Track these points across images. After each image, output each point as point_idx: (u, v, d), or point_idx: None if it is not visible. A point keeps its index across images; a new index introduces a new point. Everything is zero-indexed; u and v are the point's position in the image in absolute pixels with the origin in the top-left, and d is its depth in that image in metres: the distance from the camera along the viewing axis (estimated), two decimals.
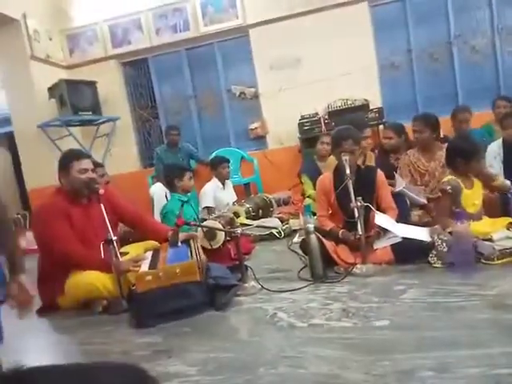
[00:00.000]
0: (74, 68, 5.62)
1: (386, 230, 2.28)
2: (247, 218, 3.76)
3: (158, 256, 2.24)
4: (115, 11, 5.43)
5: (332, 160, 3.57)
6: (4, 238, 1.43)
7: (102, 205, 2.26)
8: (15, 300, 1.44)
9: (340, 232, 2.39)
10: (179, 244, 2.35)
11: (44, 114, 4.97)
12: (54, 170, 2.51)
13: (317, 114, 4.89)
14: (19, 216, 5.25)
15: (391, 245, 2.25)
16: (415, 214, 2.81)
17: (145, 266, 2.10)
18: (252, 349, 1.55)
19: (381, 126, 4.72)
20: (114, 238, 2.18)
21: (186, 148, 5.14)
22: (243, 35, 5.32)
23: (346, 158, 2.31)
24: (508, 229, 2.15)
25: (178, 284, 1.93)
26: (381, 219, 2.24)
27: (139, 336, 1.83)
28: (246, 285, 2.17)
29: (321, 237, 2.27)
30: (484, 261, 2.00)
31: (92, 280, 2.18)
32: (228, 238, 2.75)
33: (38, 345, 2.06)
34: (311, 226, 2.24)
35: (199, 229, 2.73)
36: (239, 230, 2.25)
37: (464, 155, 2.31)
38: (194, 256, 2.10)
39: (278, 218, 3.76)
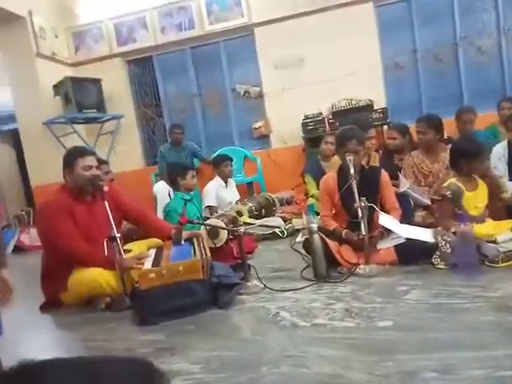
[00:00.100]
0: (79, 65, 5.64)
1: (389, 231, 2.28)
2: (250, 217, 3.76)
3: (161, 254, 2.24)
4: (120, 9, 5.44)
5: (336, 160, 3.57)
6: None
7: (106, 202, 2.27)
8: None
9: (343, 232, 2.39)
10: (182, 242, 2.36)
11: (49, 111, 4.99)
12: (59, 167, 2.52)
13: (321, 113, 4.89)
14: (23, 213, 5.27)
15: (394, 245, 2.25)
16: (419, 214, 2.81)
17: (148, 264, 2.10)
18: (255, 348, 1.56)
19: (385, 127, 4.71)
20: (118, 236, 2.19)
21: (189, 146, 5.14)
22: (248, 34, 5.32)
23: (350, 158, 2.31)
24: None
25: (181, 282, 1.94)
26: (385, 220, 2.24)
27: (142, 333, 1.84)
28: (249, 284, 2.17)
29: (324, 237, 2.26)
30: (488, 263, 1.99)
31: (95, 277, 2.19)
32: (231, 237, 2.75)
33: (41, 341, 2.07)
34: (315, 226, 2.24)
35: (202, 227, 2.73)
36: (242, 229, 2.25)
37: (467, 156, 2.30)
38: (199, 254, 2.10)
39: (281, 218, 3.76)
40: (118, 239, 2.18)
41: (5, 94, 5.43)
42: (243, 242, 2.24)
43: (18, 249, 4.89)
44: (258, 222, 3.62)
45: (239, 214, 3.51)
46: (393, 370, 1.26)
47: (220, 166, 4.10)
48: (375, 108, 4.70)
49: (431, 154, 2.95)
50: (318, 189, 3.00)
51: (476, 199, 2.34)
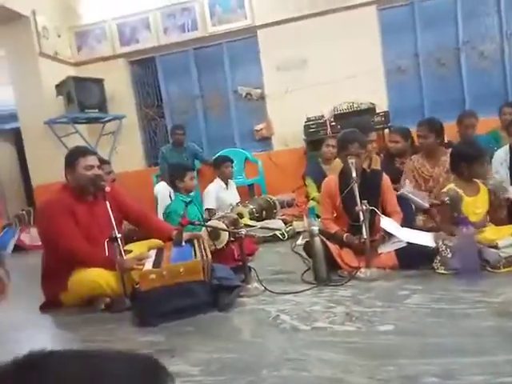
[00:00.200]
0: (82, 65, 5.66)
1: (390, 235, 2.28)
2: (251, 219, 3.76)
3: (161, 255, 2.24)
4: (124, 10, 5.46)
5: (337, 163, 3.56)
6: None
7: (107, 202, 2.26)
8: None
9: (344, 236, 2.39)
10: (183, 243, 2.36)
11: (51, 110, 5.00)
12: (60, 167, 2.52)
13: (323, 116, 4.89)
14: (24, 212, 5.26)
15: (395, 249, 2.25)
16: (420, 218, 2.80)
17: (149, 265, 2.10)
18: (255, 350, 1.55)
19: (386, 130, 4.71)
20: (119, 236, 2.18)
21: (191, 148, 5.14)
22: (251, 36, 5.33)
23: (352, 161, 2.31)
24: None
25: (182, 283, 1.93)
26: (386, 223, 2.23)
27: (142, 335, 1.83)
28: (249, 286, 2.16)
29: (325, 240, 2.26)
30: (490, 269, 1.99)
31: (95, 277, 2.18)
32: (232, 239, 2.75)
33: (40, 340, 2.06)
34: (316, 229, 2.24)
35: (203, 229, 2.73)
36: (244, 231, 2.24)
37: (467, 159, 2.30)
38: (200, 255, 2.09)
39: (282, 220, 3.76)
40: (118, 240, 2.17)
41: (7, 93, 5.44)
42: (244, 244, 2.24)
43: (19, 248, 4.89)
44: (259, 224, 3.62)
45: (240, 215, 3.51)
46: (394, 375, 1.26)
47: (220, 166, 4.10)
48: (377, 111, 4.71)
49: (431, 158, 2.95)
50: (319, 191, 3.00)
51: (475, 205, 2.33)
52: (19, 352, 0.41)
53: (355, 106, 4.81)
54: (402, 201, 2.60)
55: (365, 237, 2.16)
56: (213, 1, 5.26)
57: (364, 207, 2.16)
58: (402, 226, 2.37)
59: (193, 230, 2.67)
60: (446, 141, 3.38)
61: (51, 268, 2.36)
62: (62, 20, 5.53)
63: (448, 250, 2.05)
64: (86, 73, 5.44)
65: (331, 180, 2.56)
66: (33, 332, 2.13)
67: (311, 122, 4.86)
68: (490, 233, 2.24)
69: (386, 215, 2.35)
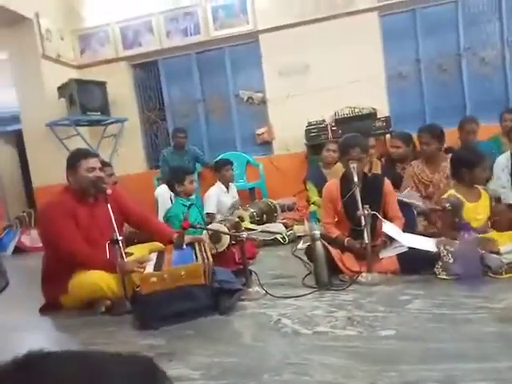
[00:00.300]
0: (85, 68, 5.67)
1: (392, 240, 2.27)
2: (251, 222, 3.76)
3: (162, 258, 2.24)
4: (127, 13, 5.48)
5: (337, 167, 3.58)
6: None
7: (108, 205, 2.26)
8: None
9: (346, 240, 2.39)
10: (184, 247, 2.35)
11: (53, 112, 5.01)
12: (61, 169, 2.52)
13: (324, 121, 4.90)
14: (24, 214, 5.26)
15: (397, 254, 2.24)
16: (421, 224, 2.80)
17: (149, 268, 2.10)
18: (256, 354, 1.54)
19: (387, 135, 4.72)
20: (120, 238, 2.18)
21: (192, 151, 5.15)
22: (253, 41, 5.35)
23: (353, 165, 2.31)
24: None
25: (183, 286, 1.93)
26: (388, 227, 2.23)
27: (142, 338, 1.83)
28: (250, 290, 2.16)
29: (326, 244, 2.26)
30: (492, 275, 1.99)
31: (96, 280, 2.17)
32: (233, 242, 2.74)
33: (39, 343, 2.05)
34: (317, 233, 2.24)
35: (204, 232, 2.73)
36: (245, 234, 2.24)
37: (468, 165, 2.31)
38: (201, 259, 2.09)
39: (283, 224, 3.76)
40: (119, 242, 2.17)
41: (9, 95, 5.46)
42: (245, 248, 2.24)
43: (19, 250, 4.89)
44: (260, 227, 3.61)
45: (241, 219, 3.50)
46: (395, 380, 1.25)
47: (221, 170, 4.10)
48: (378, 116, 4.72)
49: (432, 163, 2.95)
50: (320, 196, 3.00)
51: (476, 210, 2.33)
52: (18, 354, 0.41)
53: (356, 110, 4.82)
54: (404, 206, 2.61)
55: (366, 241, 2.16)
56: (216, 5, 5.28)
57: (366, 212, 2.16)
58: (404, 231, 2.36)
59: (194, 233, 2.66)
60: (446, 146, 3.39)
61: (52, 270, 2.36)
62: (65, 23, 5.56)
63: (450, 255, 2.05)
64: (88, 76, 5.45)
65: (332, 184, 2.56)
66: (32, 334, 2.12)
67: (312, 127, 4.86)
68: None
69: (387, 220, 2.35)
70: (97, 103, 5.10)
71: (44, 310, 2.37)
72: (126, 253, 2.25)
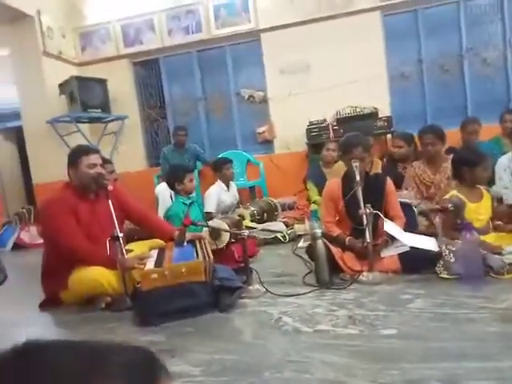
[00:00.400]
0: (86, 65, 5.66)
1: (393, 239, 2.26)
2: (252, 221, 3.75)
3: (163, 255, 2.23)
4: (128, 11, 5.47)
5: (338, 166, 3.57)
6: None
7: (110, 201, 2.26)
8: None
9: (347, 239, 2.38)
10: (185, 244, 2.35)
11: (54, 109, 5.00)
12: (61, 166, 2.52)
13: (325, 120, 4.89)
14: (24, 210, 5.26)
15: (398, 254, 2.24)
16: (422, 224, 2.79)
17: (150, 264, 2.09)
18: (256, 352, 1.54)
19: (389, 135, 4.72)
20: (121, 235, 2.17)
21: (192, 149, 5.14)
22: (255, 39, 5.34)
23: (355, 164, 2.30)
24: None
25: (184, 283, 1.92)
26: (389, 227, 2.23)
27: (142, 334, 1.82)
28: (251, 288, 2.15)
29: (328, 243, 2.25)
30: (493, 275, 1.98)
31: (96, 276, 2.17)
32: (232, 240, 2.74)
33: (37, 338, 2.04)
34: (318, 232, 2.23)
35: (204, 230, 2.72)
36: (246, 232, 2.23)
37: (469, 164, 2.31)
38: (201, 256, 2.08)
39: (283, 223, 3.75)
40: (120, 238, 2.16)
41: (9, 92, 5.45)
42: (247, 246, 2.23)
43: (18, 246, 4.88)
44: (260, 226, 3.61)
45: (241, 217, 3.50)
46: (397, 379, 1.25)
47: (222, 169, 4.09)
48: (380, 116, 4.71)
49: (433, 164, 2.95)
50: (320, 195, 2.99)
51: (478, 211, 2.33)
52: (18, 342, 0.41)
53: (358, 110, 4.81)
54: (405, 206, 2.60)
55: (368, 240, 2.16)
56: (217, 4, 5.27)
57: (367, 211, 2.15)
58: (405, 231, 2.36)
59: (195, 230, 2.66)
60: (447, 147, 3.39)
61: (52, 266, 2.35)
62: (66, 20, 5.54)
63: (451, 254, 2.04)
64: (89, 73, 5.44)
65: (334, 183, 2.55)
66: (32, 329, 2.11)
67: (313, 126, 4.86)
68: (493, 239, 2.24)
69: (388, 219, 2.34)
70: (97, 100, 5.09)
71: (44, 306, 2.36)
72: (126, 249, 2.25)
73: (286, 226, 3.66)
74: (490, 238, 2.22)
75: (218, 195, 4.00)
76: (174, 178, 3.20)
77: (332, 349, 1.49)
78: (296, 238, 3.38)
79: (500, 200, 2.72)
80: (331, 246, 2.26)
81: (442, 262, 2.07)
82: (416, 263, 2.15)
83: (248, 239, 2.27)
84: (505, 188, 2.83)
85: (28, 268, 3.55)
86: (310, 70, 5.14)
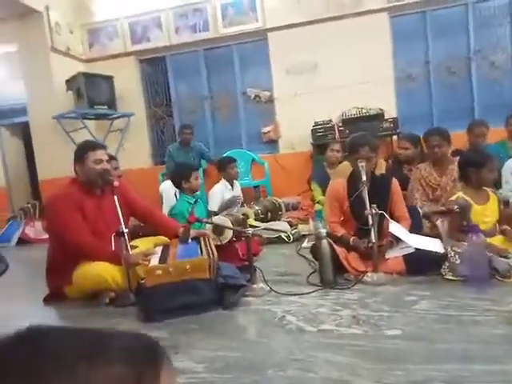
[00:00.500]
0: (93, 62, 5.68)
1: (398, 240, 2.26)
2: (256, 220, 3.75)
3: (167, 251, 2.23)
4: (136, 8, 5.49)
5: (342, 167, 3.57)
6: None
7: (115, 197, 2.26)
8: None
9: (351, 239, 2.37)
10: (189, 241, 2.35)
11: (60, 105, 5.02)
12: (67, 162, 2.53)
13: (331, 120, 4.89)
14: (29, 205, 5.28)
15: (403, 255, 2.23)
16: (427, 225, 2.78)
17: (154, 261, 2.09)
18: (260, 350, 1.54)
19: (394, 137, 4.70)
20: (126, 231, 2.18)
21: (197, 147, 5.15)
22: (262, 38, 5.34)
23: (362, 164, 2.29)
24: None
25: (188, 280, 1.92)
26: (394, 228, 2.22)
27: (146, 330, 1.82)
28: (255, 286, 2.15)
29: (332, 243, 2.25)
30: (499, 278, 1.97)
31: (101, 271, 2.17)
32: (234, 239, 2.74)
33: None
34: (323, 231, 2.22)
35: (208, 227, 2.72)
36: (251, 231, 2.23)
37: (475, 165, 2.30)
38: (206, 253, 2.08)
39: (287, 223, 3.75)
40: (125, 234, 2.17)
41: (16, 87, 5.48)
42: (251, 244, 2.23)
43: (23, 241, 4.90)
44: (264, 225, 3.60)
45: (245, 216, 3.49)
46: (402, 380, 1.24)
47: (226, 168, 4.09)
48: (386, 117, 4.70)
49: (439, 166, 2.93)
50: (324, 195, 2.98)
51: (485, 213, 2.31)
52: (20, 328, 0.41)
53: (364, 111, 4.80)
54: (410, 208, 2.59)
55: (373, 241, 2.15)
56: (225, 2, 5.28)
57: (373, 211, 2.15)
58: (410, 233, 2.35)
59: (199, 227, 2.66)
60: (453, 149, 3.37)
61: (57, 261, 2.36)
62: (74, 16, 5.57)
63: (457, 256, 2.03)
64: (96, 70, 5.45)
65: (339, 183, 2.55)
66: (35, 322, 2.11)
67: (319, 126, 4.85)
68: (499, 242, 2.22)
69: (394, 220, 2.34)
70: (104, 97, 5.11)
71: (48, 300, 2.37)
72: (131, 245, 2.25)
73: (290, 225, 3.65)
74: (497, 241, 2.21)
75: (222, 194, 4.01)
76: (180, 176, 3.21)
77: (336, 348, 1.49)
78: (300, 238, 3.38)
79: (506, 203, 2.71)
80: (336, 246, 2.26)
81: (447, 264, 2.06)
82: (421, 264, 2.14)
83: (253, 237, 2.26)
84: (511, 191, 2.81)
85: (32, 263, 3.57)
86: (317, 70, 5.14)
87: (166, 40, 5.49)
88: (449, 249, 2.09)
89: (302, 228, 3.58)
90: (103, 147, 2.55)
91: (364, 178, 2.25)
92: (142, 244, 2.48)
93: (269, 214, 3.96)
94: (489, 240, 2.17)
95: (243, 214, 3.49)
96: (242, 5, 5.24)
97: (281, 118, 5.34)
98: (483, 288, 1.87)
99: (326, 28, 5.05)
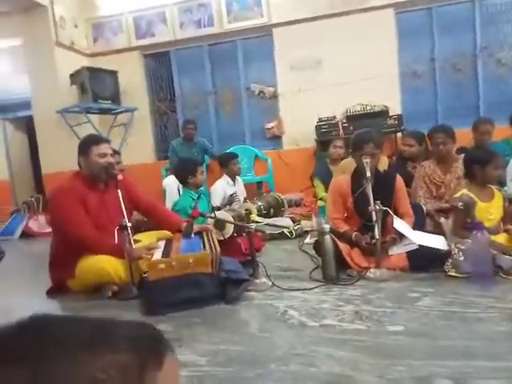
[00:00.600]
0: (97, 56, 5.68)
1: (402, 237, 2.25)
2: (258, 215, 3.75)
3: (170, 245, 2.23)
4: (141, 3, 5.47)
5: (344, 163, 3.55)
6: None
7: (119, 191, 2.26)
8: None
9: (353, 234, 2.35)
10: (192, 235, 2.35)
11: (64, 99, 5.03)
12: (71, 156, 2.53)
13: (335, 117, 4.87)
14: (32, 199, 5.30)
15: (406, 251, 2.22)
16: (429, 223, 2.77)
17: (157, 255, 2.10)
18: (262, 344, 1.54)
19: (399, 134, 4.68)
20: (129, 225, 2.18)
21: (201, 143, 5.15)
22: (266, 34, 5.32)
23: (366, 160, 2.28)
24: None
25: (191, 274, 1.93)
26: (399, 224, 2.21)
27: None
28: (257, 281, 2.15)
29: (335, 238, 2.24)
30: (503, 275, 1.96)
31: (104, 265, 2.18)
32: (235, 234, 2.74)
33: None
34: (327, 227, 2.22)
35: (209, 221, 2.72)
36: (254, 226, 2.23)
37: (480, 162, 2.28)
38: (209, 248, 2.08)
39: (290, 219, 3.74)
40: (128, 228, 2.17)
41: (20, 81, 5.48)
42: (253, 239, 2.23)
43: (26, 234, 4.92)
44: (267, 221, 3.60)
45: (248, 211, 3.49)
46: (405, 375, 1.24)
47: (229, 164, 4.09)
48: (390, 114, 4.67)
49: (443, 164, 2.92)
50: (327, 192, 2.98)
51: (489, 210, 2.30)
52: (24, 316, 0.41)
53: (368, 108, 4.78)
54: (414, 205, 2.58)
55: (377, 237, 2.14)
56: None
57: (377, 207, 2.14)
58: (414, 230, 2.34)
59: (202, 222, 2.66)
60: (458, 147, 3.35)
61: (60, 254, 2.36)
62: (79, 11, 5.56)
63: (460, 252, 2.03)
64: (100, 64, 5.45)
65: (343, 180, 2.53)
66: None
67: (323, 123, 4.83)
68: (503, 240, 2.21)
69: (398, 217, 2.33)
70: (108, 92, 5.11)
71: (51, 293, 2.38)
72: (134, 239, 2.26)
73: (293, 221, 3.65)
74: (501, 238, 2.20)
75: (224, 189, 4.01)
76: (186, 171, 3.23)
77: (338, 343, 1.48)
78: (302, 234, 3.37)
79: (511, 201, 2.69)
80: (339, 242, 2.25)
81: (450, 260, 2.06)
82: (424, 261, 2.13)
83: (256, 233, 2.26)
84: None
85: (36, 256, 3.59)
86: (321, 67, 5.11)
87: (171, 35, 5.48)
88: (452, 246, 2.09)
89: (305, 224, 3.57)
90: (107, 141, 2.55)
91: (368, 174, 2.24)
92: (145, 238, 2.49)
93: (271, 209, 3.95)
94: (493, 237, 2.16)
95: (246, 210, 3.49)
96: (247, 0, 5.22)
97: (284, 113, 5.32)
98: (487, 285, 1.86)
99: (331, 24, 5.03)
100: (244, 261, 2.36)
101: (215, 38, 5.46)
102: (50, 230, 3.46)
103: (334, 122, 4.80)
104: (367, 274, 2.13)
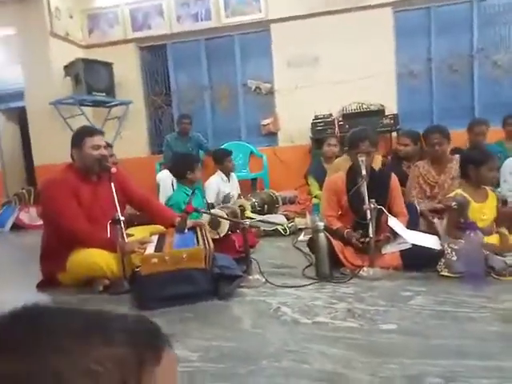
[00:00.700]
0: (92, 48, 5.61)
1: (395, 235, 2.25)
2: (252, 212, 3.74)
3: (163, 240, 2.22)
4: None
5: (337, 162, 3.56)
6: None
7: (112, 184, 2.24)
8: None
9: (345, 232, 2.35)
10: (186, 231, 2.33)
11: (58, 91, 4.96)
12: (64, 148, 2.49)
13: (331, 115, 4.86)
14: (24, 191, 5.24)
15: (400, 250, 2.22)
16: (423, 223, 2.78)
17: (150, 249, 2.08)
18: (255, 340, 1.53)
19: (394, 133, 4.69)
20: (122, 218, 2.16)
21: (196, 138, 5.11)
22: (264, 30, 5.29)
23: (362, 158, 2.28)
24: None
25: (183, 269, 1.91)
26: (393, 222, 2.21)
27: None
28: (251, 277, 2.14)
29: (329, 236, 2.24)
30: (495, 276, 1.97)
31: (96, 259, 2.16)
32: (229, 232, 2.73)
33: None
34: (321, 224, 2.21)
35: (204, 217, 2.71)
36: (248, 222, 2.22)
37: (475, 162, 2.29)
38: (202, 243, 2.07)
39: (284, 216, 3.74)
40: (121, 222, 2.15)
41: (13, 72, 5.40)
42: (248, 236, 2.21)
43: (17, 227, 4.87)
44: (261, 217, 3.59)
45: (242, 208, 3.48)
46: (397, 373, 1.24)
47: (223, 161, 4.07)
48: (386, 113, 4.68)
49: (438, 164, 2.93)
50: (321, 190, 2.97)
51: (482, 211, 2.31)
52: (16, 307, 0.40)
53: (364, 106, 4.78)
54: (408, 205, 2.58)
55: (371, 235, 2.14)
56: None
57: (372, 206, 2.14)
58: (408, 229, 2.34)
59: (197, 217, 2.64)
60: (452, 147, 3.36)
61: (51, 247, 2.34)
62: (74, 1, 5.48)
63: (453, 252, 2.03)
64: (95, 56, 5.37)
65: (338, 178, 2.53)
66: None
67: (319, 120, 4.83)
68: (496, 240, 2.22)
69: (392, 215, 2.33)
70: (102, 84, 5.05)
71: (41, 287, 2.35)
72: (126, 233, 2.23)
73: (287, 219, 3.64)
74: (494, 239, 2.21)
75: (218, 185, 3.99)
76: (185, 167, 3.21)
77: (331, 341, 1.48)
78: (296, 232, 3.37)
79: (504, 202, 2.71)
80: (332, 240, 2.25)
81: (443, 260, 2.06)
82: (417, 260, 2.14)
83: (250, 229, 2.25)
84: (510, 191, 2.81)
85: (26, 249, 3.54)
86: (318, 64, 5.10)
87: (167, 28, 5.43)
88: (445, 245, 2.09)
89: (299, 221, 3.57)
90: (101, 133, 2.52)
91: (364, 172, 2.24)
92: (138, 232, 2.46)
93: (265, 206, 3.94)
94: (486, 238, 2.17)
95: (240, 206, 3.48)
96: None
97: (281, 110, 5.30)
98: (479, 285, 1.87)
99: (329, 21, 5.01)
100: (238, 257, 2.35)
101: (212, 32, 5.42)
102: (41, 222, 3.43)
103: (330, 119, 4.80)
104: (360, 272, 2.13)
